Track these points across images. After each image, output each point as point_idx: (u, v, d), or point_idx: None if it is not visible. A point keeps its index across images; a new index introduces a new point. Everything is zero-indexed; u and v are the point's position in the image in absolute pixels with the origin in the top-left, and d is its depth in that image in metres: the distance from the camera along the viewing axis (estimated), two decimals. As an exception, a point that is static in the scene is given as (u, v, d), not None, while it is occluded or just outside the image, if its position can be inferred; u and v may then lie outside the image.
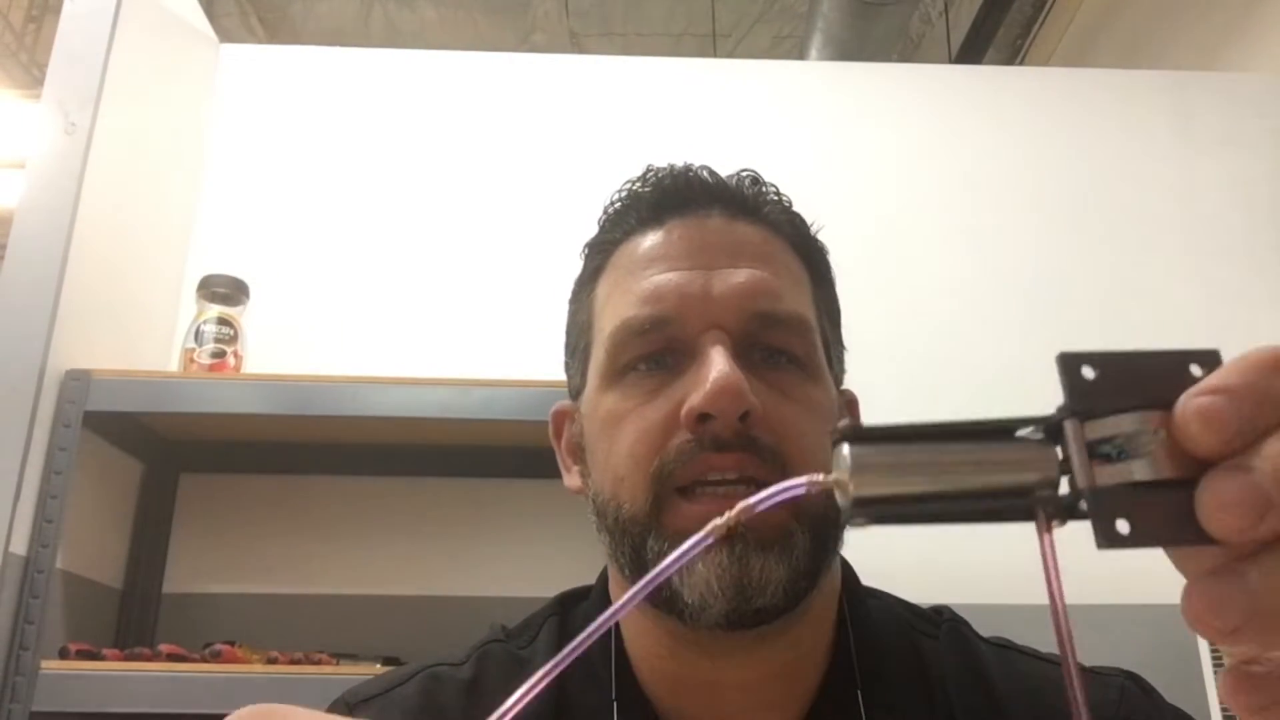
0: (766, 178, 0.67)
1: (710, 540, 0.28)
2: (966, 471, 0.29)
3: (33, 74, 3.86)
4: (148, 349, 1.47)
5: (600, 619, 0.28)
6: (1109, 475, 0.28)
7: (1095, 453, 0.28)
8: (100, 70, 1.34)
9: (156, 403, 1.27)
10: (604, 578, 0.65)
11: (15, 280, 1.25)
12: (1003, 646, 0.64)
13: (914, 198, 1.74)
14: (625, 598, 0.29)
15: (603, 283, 0.65)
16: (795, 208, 0.67)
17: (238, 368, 1.40)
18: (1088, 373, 0.28)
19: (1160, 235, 1.73)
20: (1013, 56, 3.19)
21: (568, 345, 0.68)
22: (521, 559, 1.48)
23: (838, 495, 0.29)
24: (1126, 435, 0.28)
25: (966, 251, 1.70)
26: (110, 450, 1.37)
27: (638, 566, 0.55)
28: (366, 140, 1.71)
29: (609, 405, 0.59)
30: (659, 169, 0.66)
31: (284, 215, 1.65)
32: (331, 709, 0.64)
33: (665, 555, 0.53)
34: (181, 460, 1.48)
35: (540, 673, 0.27)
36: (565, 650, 0.27)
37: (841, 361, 0.67)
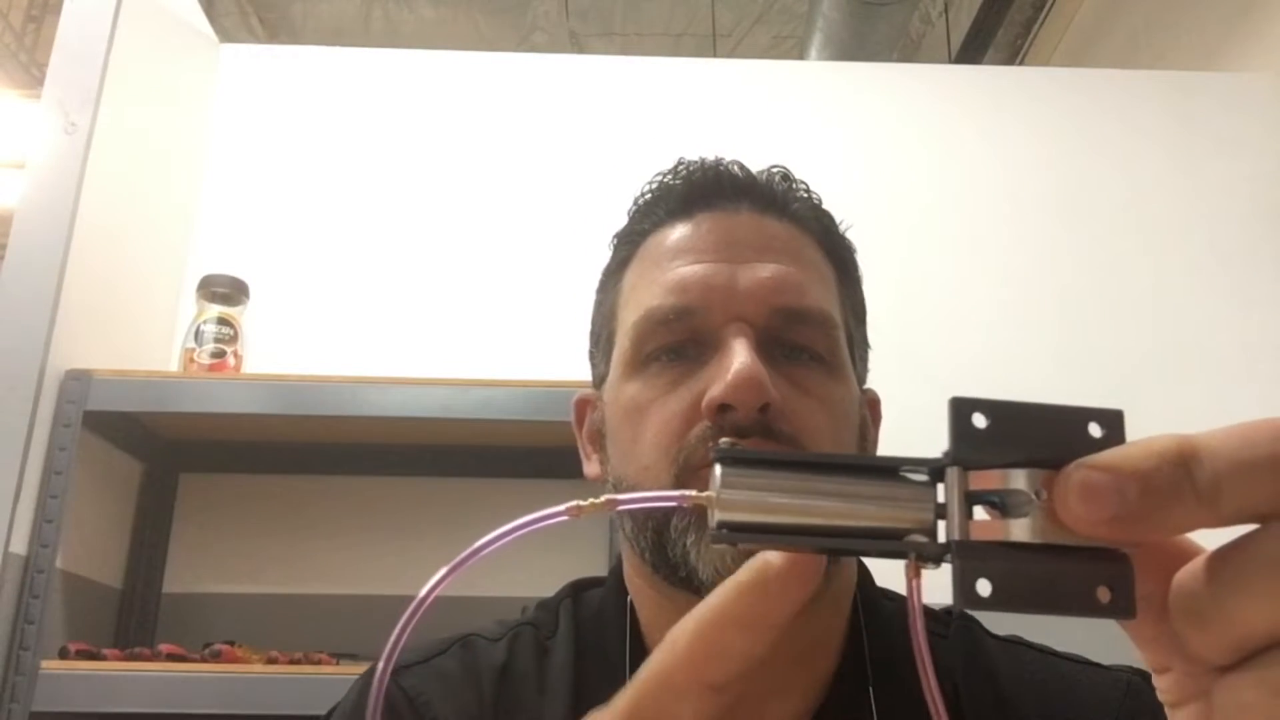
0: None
1: (564, 517, 0.28)
2: (839, 507, 0.29)
3: (33, 74, 3.86)
4: (148, 349, 1.47)
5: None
6: (983, 530, 0.27)
7: (976, 501, 0.28)
8: (100, 70, 1.34)
9: (156, 403, 1.27)
10: (618, 567, 0.66)
11: (15, 280, 1.25)
12: (1012, 643, 0.65)
13: (914, 197, 1.74)
14: (457, 560, 0.29)
15: (629, 273, 0.65)
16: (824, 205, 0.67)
17: (238, 368, 1.40)
18: (979, 421, 0.28)
19: (1160, 234, 1.73)
20: (1013, 56, 3.19)
21: (592, 334, 0.69)
22: (521, 559, 1.48)
23: (709, 513, 0.29)
24: (1008, 492, 0.27)
25: (965, 251, 1.70)
26: (110, 450, 1.37)
27: (660, 548, 0.56)
28: (366, 140, 1.71)
29: (631, 394, 0.60)
30: (690, 162, 0.66)
31: (284, 215, 1.65)
32: (369, 673, 0.64)
33: (689, 532, 0.54)
34: (181, 460, 1.48)
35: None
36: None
37: (865, 360, 0.67)
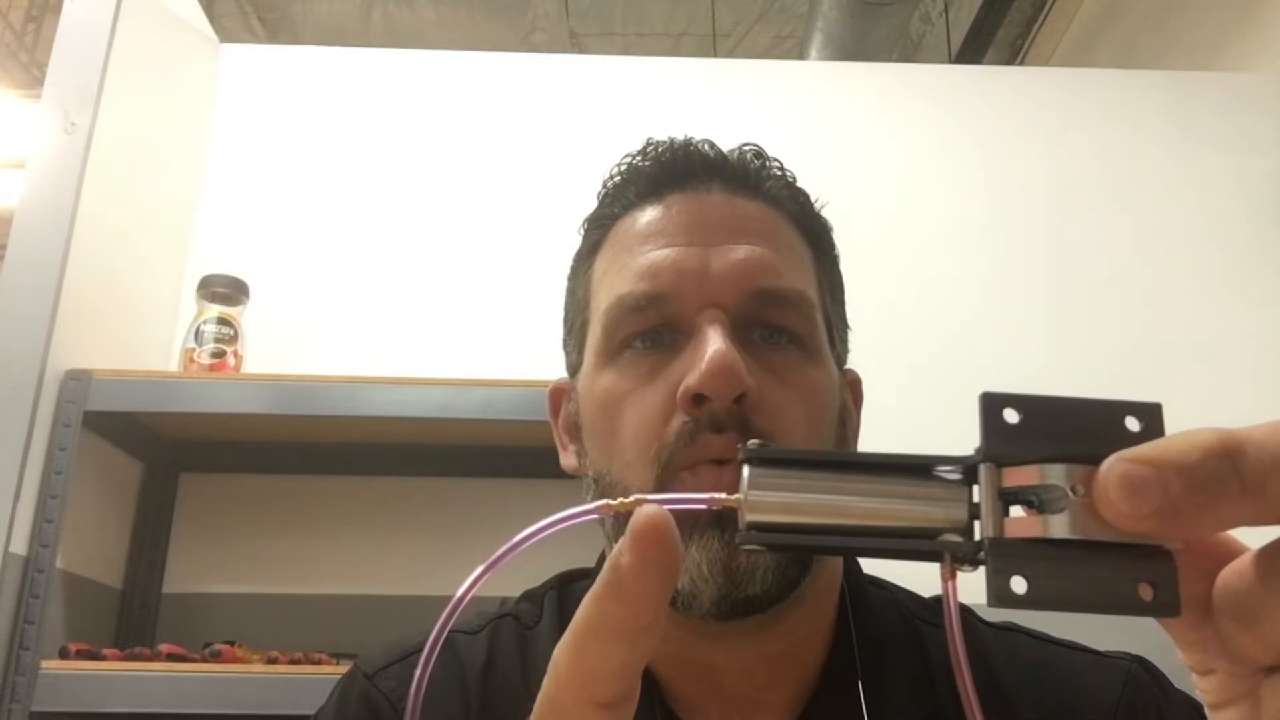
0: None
1: (594, 515, 0.28)
2: (870, 507, 0.28)
3: (33, 74, 3.86)
4: (148, 349, 1.47)
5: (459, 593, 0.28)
6: (1018, 527, 0.26)
7: (1012, 500, 0.27)
8: (100, 70, 1.34)
9: (156, 403, 1.27)
10: (602, 559, 0.65)
11: (15, 280, 1.25)
12: (1007, 630, 0.64)
13: (914, 197, 1.74)
14: (489, 560, 0.29)
15: (600, 258, 0.64)
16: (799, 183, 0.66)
17: (238, 368, 1.40)
18: (1010, 416, 0.27)
19: (1160, 235, 1.73)
20: (1013, 56, 3.19)
21: (565, 322, 0.68)
22: (521, 559, 1.47)
23: (739, 515, 0.29)
24: (1044, 488, 0.26)
25: (966, 251, 1.70)
26: (110, 450, 1.37)
27: None
28: (366, 140, 1.71)
29: (605, 384, 0.59)
30: (659, 142, 0.65)
31: (284, 215, 1.65)
32: (348, 679, 0.63)
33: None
34: (181, 460, 1.48)
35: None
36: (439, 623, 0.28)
37: (845, 341, 0.66)
